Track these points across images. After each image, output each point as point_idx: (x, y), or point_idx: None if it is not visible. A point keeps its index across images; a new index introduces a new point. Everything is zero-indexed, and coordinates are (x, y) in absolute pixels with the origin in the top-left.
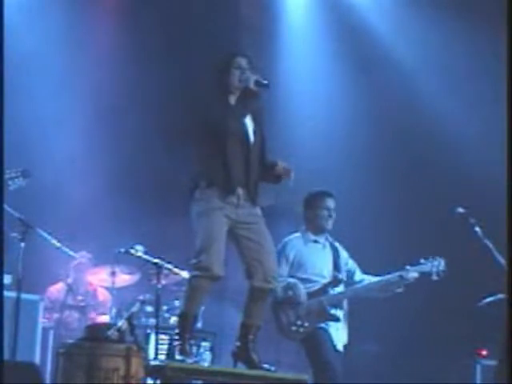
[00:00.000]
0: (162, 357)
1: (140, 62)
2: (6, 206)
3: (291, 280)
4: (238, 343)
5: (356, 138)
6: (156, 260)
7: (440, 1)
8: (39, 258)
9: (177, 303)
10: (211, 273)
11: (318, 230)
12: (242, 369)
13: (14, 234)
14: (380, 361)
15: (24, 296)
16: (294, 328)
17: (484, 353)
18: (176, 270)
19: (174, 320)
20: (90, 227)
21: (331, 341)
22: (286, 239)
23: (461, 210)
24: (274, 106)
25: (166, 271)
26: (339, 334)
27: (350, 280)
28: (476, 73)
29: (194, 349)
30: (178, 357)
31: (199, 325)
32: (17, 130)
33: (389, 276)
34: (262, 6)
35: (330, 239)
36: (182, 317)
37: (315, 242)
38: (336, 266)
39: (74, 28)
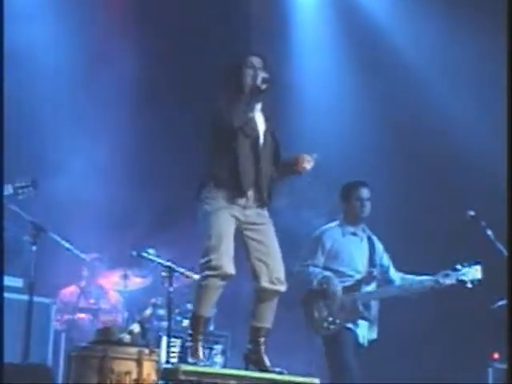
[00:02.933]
0: (174, 360)
1: (152, 63)
2: (17, 209)
3: (327, 273)
4: (250, 346)
5: (365, 137)
6: (168, 263)
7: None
8: (51, 261)
9: (189, 306)
10: (222, 271)
11: (354, 220)
12: (253, 372)
13: (26, 238)
14: (391, 362)
15: (36, 299)
16: (325, 324)
17: (496, 356)
18: (188, 272)
19: (185, 323)
20: (102, 230)
21: (355, 341)
22: (324, 228)
23: (472, 212)
24: (285, 106)
25: (177, 274)
26: (367, 332)
27: (383, 276)
28: (486, 77)
29: (207, 352)
30: (190, 359)
31: (211, 327)
32: (31, 135)
33: (424, 279)
34: (272, 6)
35: (368, 232)
36: (195, 318)
37: (353, 234)
38: (371, 261)
39: (85, 35)
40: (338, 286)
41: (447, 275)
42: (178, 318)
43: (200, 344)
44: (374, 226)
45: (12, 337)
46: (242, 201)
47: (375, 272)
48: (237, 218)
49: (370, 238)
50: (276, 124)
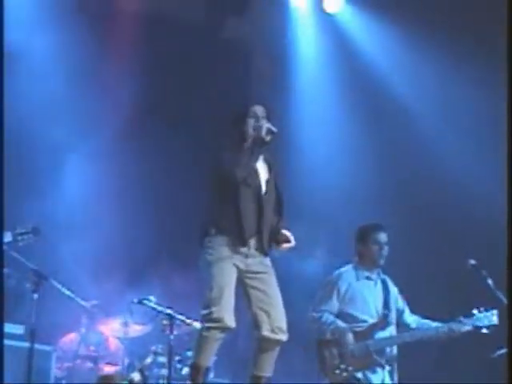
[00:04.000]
0: None
1: (153, 111)
2: (19, 257)
3: (340, 324)
4: None
5: (366, 185)
6: (168, 310)
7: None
8: (52, 309)
9: (189, 354)
10: (223, 324)
11: (371, 265)
12: None
13: (28, 285)
14: None
15: (37, 346)
16: (337, 371)
17: None
18: (188, 320)
19: (186, 371)
20: (102, 277)
21: None
22: (339, 271)
23: (473, 261)
24: (286, 154)
25: (178, 322)
26: (384, 379)
27: (399, 320)
28: (487, 123)
29: None
30: None
31: (211, 375)
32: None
33: (439, 326)
34: (274, 58)
35: (382, 275)
36: (194, 368)
37: (368, 278)
38: (386, 305)
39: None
40: (349, 335)
41: (462, 321)
42: (179, 366)
43: None
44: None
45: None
46: (243, 249)
47: (390, 316)
48: (238, 267)
49: (384, 282)
50: (277, 174)
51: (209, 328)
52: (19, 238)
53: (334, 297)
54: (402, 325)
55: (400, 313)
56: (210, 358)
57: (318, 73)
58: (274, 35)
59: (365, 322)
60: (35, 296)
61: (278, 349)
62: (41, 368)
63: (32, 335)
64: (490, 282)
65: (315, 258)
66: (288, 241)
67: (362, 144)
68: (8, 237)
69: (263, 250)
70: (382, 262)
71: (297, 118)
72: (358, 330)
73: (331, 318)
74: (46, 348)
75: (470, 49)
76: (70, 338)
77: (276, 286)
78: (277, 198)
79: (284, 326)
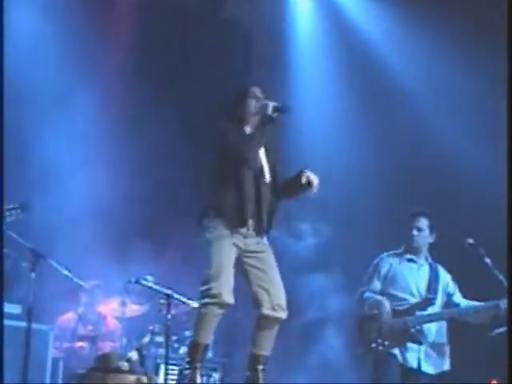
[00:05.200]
0: None
1: (154, 97)
2: (16, 237)
3: (378, 297)
4: (248, 373)
5: (363, 165)
6: (166, 290)
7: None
8: (49, 288)
9: (187, 333)
10: (221, 299)
11: (412, 249)
12: None
13: (25, 264)
14: None
15: (34, 326)
16: (374, 344)
17: (494, 383)
18: (186, 299)
19: (183, 350)
20: (100, 257)
21: (405, 365)
22: (382, 255)
23: (470, 240)
24: (284, 132)
25: (175, 301)
26: (424, 357)
27: (448, 301)
28: (487, 104)
29: (204, 379)
30: None
31: (209, 354)
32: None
33: (484, 304)
34: (272, 36)
35: (431, 260)
36: (193, 346)
37: (410, 260)
38: (430, 287)
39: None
40: (387, 308)
41: (499, 305)
42: (176, 346)
43: (198, 372)
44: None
45: (10, 363)
46: (242, 230)
47: (432, 297)
48: (237, 247)
49: (431, 266)
50: (276, 155)
51: (207, 304)
52: (7, 213)
53: (375, 279)
54: (451, 306)
55: (450, 295)
56: (208, 336)
57: (316, 51)
58: (273, 14)
59: (405, 300)
60: (32, 275)
61: (277, 327)
62: (38, 347)
63: (29, 315)
64: (487, 260)
65: (312, 234)
66: (309, 183)
67: (359, 121)
68: None
69: (261, 231)
70: (420, 245)
71: (295, 96)
72: (398, 308)
73: (371, 294)
74: (44, 327)
75: (467, 29)
76: (68, 318)
77: (275, 264)
78: (275, 180)
79: (284, 303)
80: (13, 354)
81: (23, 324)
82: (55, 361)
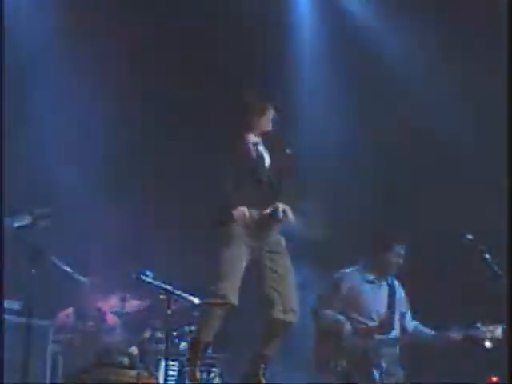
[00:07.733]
0: (171, 383)
1: (159, 107)
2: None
3: (340, 317)
4: (249, 369)
5: (361, 153)
6: (166, 286)
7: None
8: (49, 284)
9: (187, 329)
10: (226, 301)
11: (382, 272)
12: None
13: (25, 260)
14: None
15: (34, 321)
16: (330, 365)
17: (494, 379)
18: (186, 295)
19: (183, 346)
20: (100, 252)
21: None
22: (343, 271)
23: (470, 236)
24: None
25: (176, 297)
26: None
27: (401, 322)
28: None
29: (204, 375)
30: (187, 383)
31: (209, 350)
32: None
33: (435, 334)
34: (275, 27)
35: (389, 278)
36: (195, 343)
37: (371, 282)
38: (390, 307)
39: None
40: (347, 328)
41: (461, 330)
42: (176, 341)
43: (198, 368)
44: None
45: (10, 359)
46: (256, 231)
47: (392, 322)
48: (252, 247)
49: (390, 285)
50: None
51: (212, 303)
52: (38, 221)
53: (335, 298)
54: (401, 328)
55: (402, 315)
56: (210, 334)
57: (315, 40)
58: (275, 4)
59: (365, 324)
60: (33, 271)
61: (285, 330)
62: (38, 343)
63: (29, 310)
64: (487, 256)
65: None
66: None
67: (359, 121)
68: (23, 220)
69: (276, 233)
70: (394, 271)
71: (298, 81)
72: (356, 330)
73: (331, 312)
74: (43, 323)
75: (467, 29)
76: (67, 313)
77: (289, 266)
78: (279, 181)
79: (295, 306)
80: (12, 350)
81: (23, 320)
82: (55, 356)
